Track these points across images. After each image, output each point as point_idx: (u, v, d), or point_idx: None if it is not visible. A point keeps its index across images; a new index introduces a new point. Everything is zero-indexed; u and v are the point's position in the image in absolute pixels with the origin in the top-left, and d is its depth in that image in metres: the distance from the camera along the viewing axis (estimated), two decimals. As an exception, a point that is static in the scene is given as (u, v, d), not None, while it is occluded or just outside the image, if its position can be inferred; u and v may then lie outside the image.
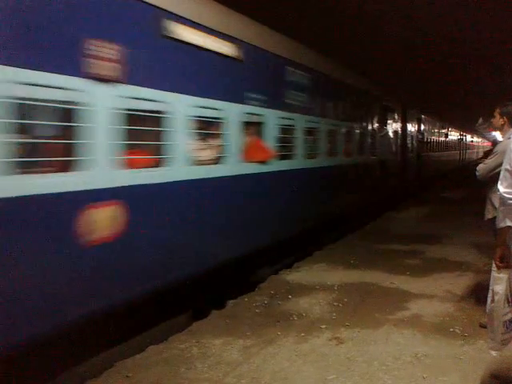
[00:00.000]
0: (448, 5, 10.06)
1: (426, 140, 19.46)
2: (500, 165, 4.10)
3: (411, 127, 16.37)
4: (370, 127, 11.21)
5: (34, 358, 3.43)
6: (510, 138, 4.42)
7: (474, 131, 42.18)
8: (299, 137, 7.32)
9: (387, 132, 12.80)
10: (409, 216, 12.24)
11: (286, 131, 7.00)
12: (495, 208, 4.32)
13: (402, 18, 11.05)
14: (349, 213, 10.00)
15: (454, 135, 31.53)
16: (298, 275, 6.61)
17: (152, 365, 3.95)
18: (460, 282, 6.12)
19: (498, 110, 4.62)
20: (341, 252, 8.08)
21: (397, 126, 14.14)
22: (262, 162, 6.22)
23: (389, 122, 12.89)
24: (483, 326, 4.48)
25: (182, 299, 5.08)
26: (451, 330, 4.61)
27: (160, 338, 4.54)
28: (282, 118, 6.77)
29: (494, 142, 4.98)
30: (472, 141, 49.51)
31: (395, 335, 4.51)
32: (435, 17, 10.91)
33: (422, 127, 18.45)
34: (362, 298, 5.59)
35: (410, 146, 16.05)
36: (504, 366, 3.78)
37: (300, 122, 7.33)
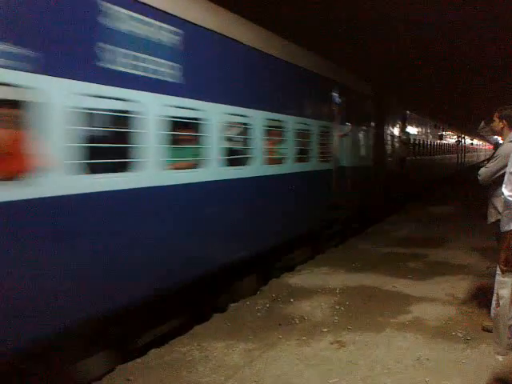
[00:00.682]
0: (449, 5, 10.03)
1: (413, 141, 16.45)
2: (501, 168, 4.13)
3: (391, 125, 13.32)
4: (315, 121, 7.59)
5: (34, 361, 3.41)
6: (511, 142, 4.43)
7: (474, 133, 41.60)
8: (149, 133, 4.11)
9: (350, 129, 9.22)
10: (411, 219, 12.22)
11: (109, 122, 4.19)
12: (498, 211, 4.32)
13: (402, 19, 10.97)
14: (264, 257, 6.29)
15: (451, 137, 28.70)
16: (299, 278, 6.59)
17: (153, 368, 3.95)
18: (462, 286, 6.10)
19: (496, 114, 4.67)
20: (343, 255, 8.07)
21: (367, 122, 10.86)
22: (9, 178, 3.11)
23: (352, 115, 9.42)
24: (486, 330, 4.47)
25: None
26: (453, 333, 4.59)
27: (161, 341, 4.52)
28: (93, 96, 3.70)
29: (496, 146, 4.98)
30: (472, 143, 47.14)
31: (397, 339, 4.50)
32: (436, 17, 10.83)
33: (408, 126, 15.50)
34: (364, 302, 5.57)
35: (389, 147, 13.00)
36: (508, 370, 3.76)
37: (151, 106, 4.16)
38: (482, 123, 5.34)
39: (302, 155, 7.25)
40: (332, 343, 4.42)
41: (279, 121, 6.53)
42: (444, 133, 24.66)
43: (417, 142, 17.26)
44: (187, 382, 3.74)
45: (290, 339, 4.52)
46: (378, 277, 6.59)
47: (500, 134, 4.76)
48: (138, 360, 4.10)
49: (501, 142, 4.91)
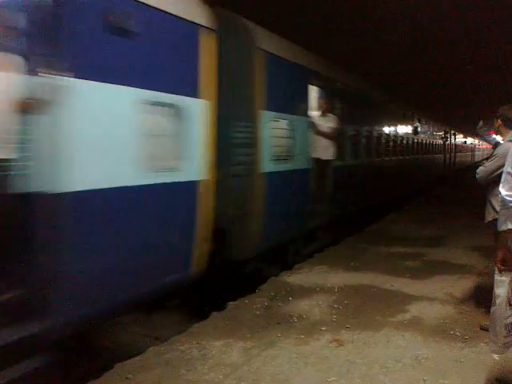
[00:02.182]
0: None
1: (353, 134, 10.24)
2: (500, 167, 4.14)
3: (283, 97, 6.97)
4: None
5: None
6: (510, 141, 4.45)
7: (470, 131, 39.96)
8: None
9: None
10: (410, 219, 12.20)
11: None
12: (495, 210, 4.34)
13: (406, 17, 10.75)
14: None
15: (435, 132, 22.82)
16: (298, 277, 6.59)
17: (152, 366, 3.95)
18: (460, 285, 6.11)
19: (495, 114, 4.72)
20: (341, 254, 8.06)
21: (180, 83, 4.56)
22: None
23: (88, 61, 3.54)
24: (484, 329, 4.48)
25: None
26: (452, 332, 4.61)
27: (160, 339, 4.53)
28: None
29: (496, 145, 5.02)
30: (465, 141, 40.90)
31: (396, 338, 4.50)
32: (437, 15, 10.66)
33: (342, 108, 9.07)
34: (363, 300, 5.58)
35: (274, 141, 6.63)
36: (506, 369, 3.77)
37: None
38: (481, 123, 5.37)
39: None
40: (330, 342, 4.43)
41: None
42: (420, 125, 17.98)
43: (363, 136, 11.14)
44: (186, 380, 3.74)
45: (289, 337, 4.53)
46: (377, 276, 6.60)
47: (498, 132, 4.81)
48: (137, 358, 4.09)
49: (501, 142, 4.94)
